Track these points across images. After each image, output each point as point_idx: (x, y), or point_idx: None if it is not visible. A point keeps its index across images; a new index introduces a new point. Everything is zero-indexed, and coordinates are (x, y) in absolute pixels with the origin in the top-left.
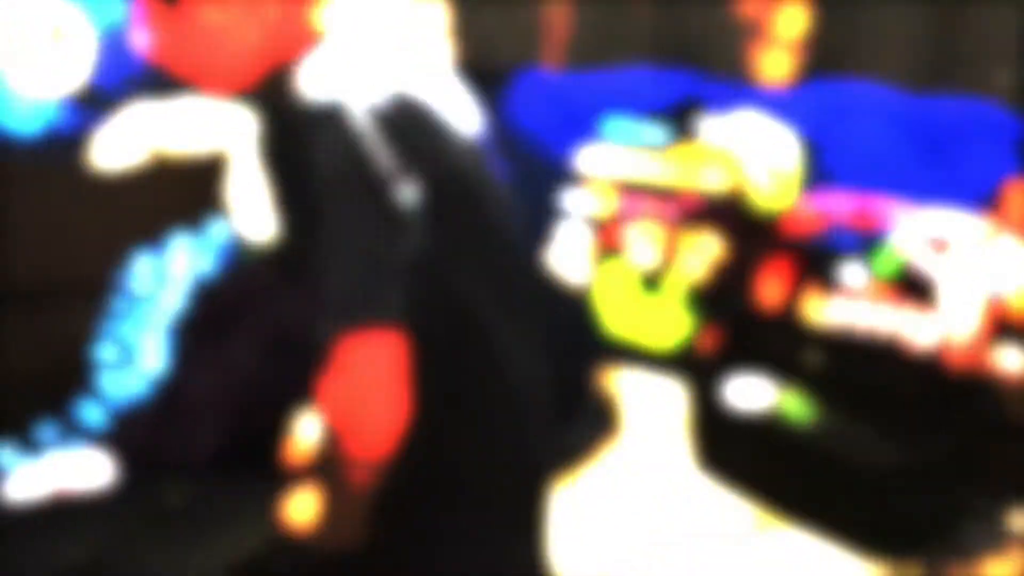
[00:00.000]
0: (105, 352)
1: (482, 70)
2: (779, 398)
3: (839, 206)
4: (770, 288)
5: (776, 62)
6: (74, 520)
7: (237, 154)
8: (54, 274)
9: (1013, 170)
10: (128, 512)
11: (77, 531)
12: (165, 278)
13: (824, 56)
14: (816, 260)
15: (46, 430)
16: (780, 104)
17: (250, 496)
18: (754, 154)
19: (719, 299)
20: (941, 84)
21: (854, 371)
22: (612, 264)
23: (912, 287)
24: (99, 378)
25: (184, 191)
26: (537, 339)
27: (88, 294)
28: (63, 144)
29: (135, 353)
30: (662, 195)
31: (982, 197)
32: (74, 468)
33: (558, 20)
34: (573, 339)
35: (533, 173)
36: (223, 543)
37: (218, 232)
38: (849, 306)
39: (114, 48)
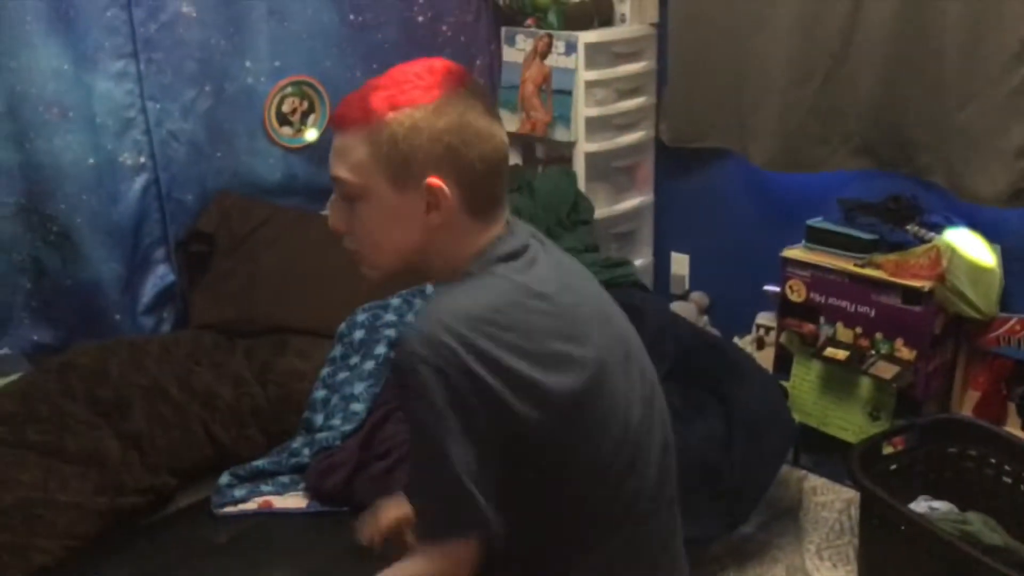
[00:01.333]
0: (319, 393)
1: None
2: (967, 516)
3: None
4: (965, 398)
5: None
6: (277, 538)
7: None
8: (292, 318)
9: None
10: (323, 541)
11: (278, 549)
12: (379, 333)
13: None
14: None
15: (266, 456)
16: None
17: None
18: (960, 264)
19: (909, 405)
20: None
21: None
22: (804, 357)
23: None
24: (312, 416)
25: None
26: None
27: (317, 339)
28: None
29: (345, 398)
30: (859, 296)
31: None
32: (281, 492)
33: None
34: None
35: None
36: None
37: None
38: None
39: None
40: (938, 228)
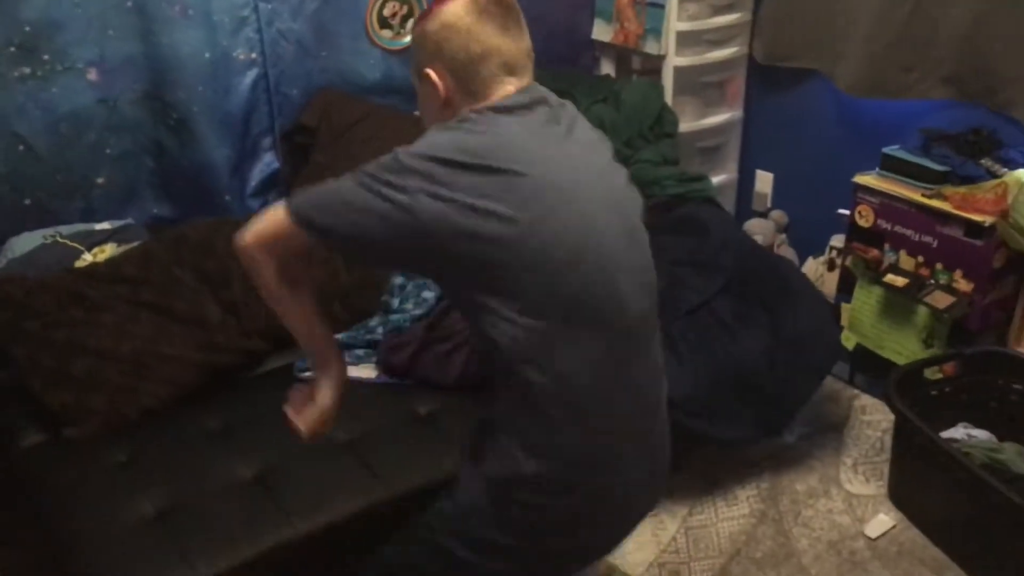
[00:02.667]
0: (397, 280)
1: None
2: (1003, 445)
3: None
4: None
5: None
6: (349, 402)
7: None
8: None
9: None
10: (387, 407)
11: (349, 411)
12: None
13: None
14: None
15: (346, 330)
16: None
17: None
18: None
19: (964, 336)
20: None
21: None
22: (867, 281)
23: None
24: (389, 299)
25: None
26: None
27: None
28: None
29: (418, 286)
30: (924, 226)
31: None
32: (355, 363)
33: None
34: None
35: None
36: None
37: None
38: None
39: None
40: (1013, 164)
